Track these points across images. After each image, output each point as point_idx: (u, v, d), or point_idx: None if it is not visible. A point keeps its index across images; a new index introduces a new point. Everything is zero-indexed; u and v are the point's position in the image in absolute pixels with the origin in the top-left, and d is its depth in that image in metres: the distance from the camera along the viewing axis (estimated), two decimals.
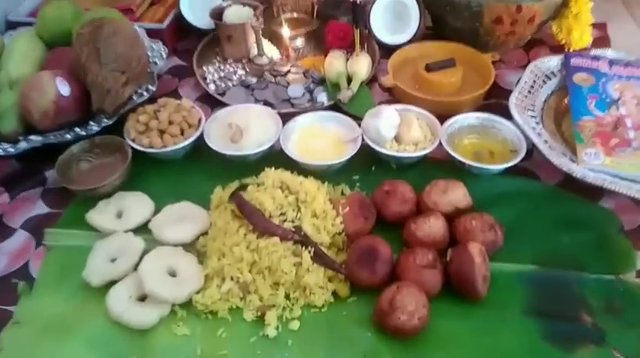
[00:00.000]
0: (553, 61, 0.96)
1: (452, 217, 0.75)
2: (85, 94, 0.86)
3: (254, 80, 1.02)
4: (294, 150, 0.86)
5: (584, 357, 0.65)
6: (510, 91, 0.90)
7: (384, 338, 0.66)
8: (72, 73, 0.87)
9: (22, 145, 0.83)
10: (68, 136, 0.85)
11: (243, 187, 0.78)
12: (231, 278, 0.70)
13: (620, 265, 0.73)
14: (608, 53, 0.97)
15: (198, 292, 0.70)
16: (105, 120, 0.86)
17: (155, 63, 0.97)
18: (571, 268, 0.73)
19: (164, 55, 0.99)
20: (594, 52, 0.98)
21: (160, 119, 0.85)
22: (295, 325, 0.68)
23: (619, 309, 0.69)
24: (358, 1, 0.98)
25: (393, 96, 1.01)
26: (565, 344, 0.66)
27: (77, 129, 0.85)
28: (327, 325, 0.68)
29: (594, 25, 1.06)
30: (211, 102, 1.00)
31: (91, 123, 0.86)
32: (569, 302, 0.70)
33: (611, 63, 0.94)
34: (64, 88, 0.84)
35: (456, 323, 0.68)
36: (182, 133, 0.86)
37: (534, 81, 0.94)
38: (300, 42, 1.13)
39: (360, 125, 0.87)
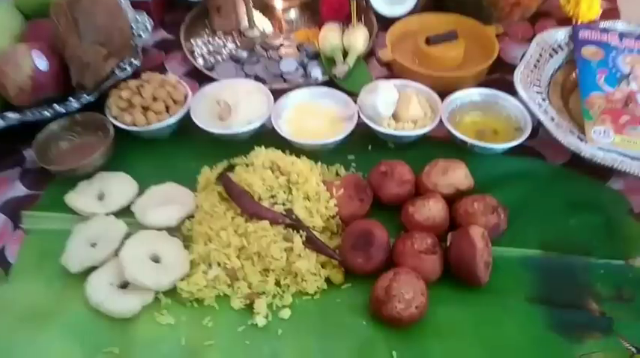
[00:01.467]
0: (560, 34, 0.92)
1: (452, 199, 0.73)
2: (64, 69, 0.82)
3: (244, 54, 0.98)
4: (286, 128, 0.83)
5: (591, 347, 0.63)
6: (515, 66, 0.87)
7: (379, 327, 0.64)
8: (51, 47, 0.83)
9: None
10: (47, 113, 0.81)
11: (232, 168, 0.75)
12: (219, 264, 0.68)
13: (630, 249, 0.71)
14: (618, 25, 0.93)
15: (183, 279, 0.68)
16: (85, 96, 0.83)
17: (140, 36, 0.92)
18: (578, 253, 0.71)
19: (149, 28, 0.95)
20: (603, 24, 0.94)
21: (143, 95, 0.82)
22: (286, 313, 0.66)
23: (628, 297, 0.67)
24: None
25: (392, 71, 0.98)
26: (571, 333, 0.64)
27: (56, 106, 0.81)
28: (320, 313, 0.66)
29: None
30: (199, 78, 0.96)
31: (71, 99, 0.82)
32: (575, 289, 0.68)
33: (622, 36, 0.91)
34: (42, 62, 0.80)
35: (456, 311, 0.66)
36: (167, 110, 0.83)
37: (540, 55, 0.90)
38: (293, 13, 1.08)
39: (356, 102, 0.84)
